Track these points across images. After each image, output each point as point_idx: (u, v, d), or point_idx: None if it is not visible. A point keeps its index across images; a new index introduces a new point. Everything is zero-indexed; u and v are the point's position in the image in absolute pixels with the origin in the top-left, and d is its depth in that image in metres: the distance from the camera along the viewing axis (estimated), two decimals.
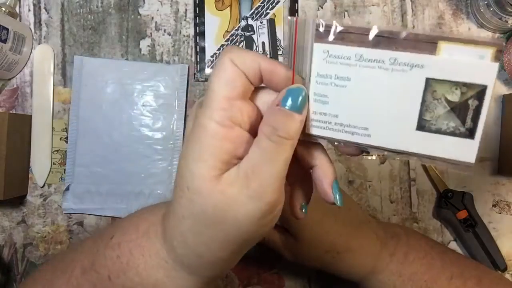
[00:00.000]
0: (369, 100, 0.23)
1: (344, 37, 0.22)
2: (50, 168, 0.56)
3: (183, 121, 0.55)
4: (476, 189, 0.54)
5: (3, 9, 0.54)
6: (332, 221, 0.42)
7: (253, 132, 0.25)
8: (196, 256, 0.26)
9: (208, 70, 0.56)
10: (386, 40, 0.22)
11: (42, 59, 0.56)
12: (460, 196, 0.53)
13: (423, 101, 0.22)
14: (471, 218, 0.52)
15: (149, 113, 0.55)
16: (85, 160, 0.55)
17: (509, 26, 0.51)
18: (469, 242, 0.52)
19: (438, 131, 0.22)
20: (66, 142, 0.56)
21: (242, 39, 0.56)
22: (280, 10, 0.56)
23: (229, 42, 0.56)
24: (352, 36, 0.22)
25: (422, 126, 0.22)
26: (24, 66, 0.57)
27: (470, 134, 0.22)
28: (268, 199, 0.24)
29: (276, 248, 0.46)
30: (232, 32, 0.56)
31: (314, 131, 0.25)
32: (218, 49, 0.56)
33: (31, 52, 0.57)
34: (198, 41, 0.56)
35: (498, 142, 0.54)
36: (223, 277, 0.55)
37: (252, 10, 0.56)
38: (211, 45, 0.56)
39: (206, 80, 0.56)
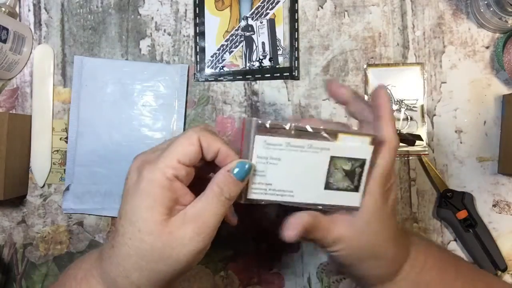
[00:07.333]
0: (293, 172, 0.33)
1: (277, 131, 0.32)
2: (50, 168, 0.56)
3: (183, 121, 0.55)
4: (476, 189, 0.54)
5: (3, 9, 0.54)
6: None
7: (189, 186, 0.33)
8: None
9: (208, 70, 0.56)
10: (304, 133, 0.32)
11: (42, 59, 0.56)
12: (460, 196, 0.53)
13: (328, 170, 0.34)
14: (471, 218, 0.52)
15: (149, 113, 0.55)
16: (85, 160, 0.55)
17: (509, 26, 0.51)
18: (469, 242, 0.52)
19: (338, 189, 0.35)
20: (66, 142, 0.56)
21: (242, 39, 0.56)
22: (280, 10, 0.56)
23: (229, 42, 0.56)
24: (282, 130, 0.32)
25: (328, 186, 0.34)
26: (24, 66, 0.57)
27: (356, 189, 0.35)
28: (206, 242, 0.31)
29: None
30: (232, 32, 0.56)
31: (254, 196, 0.33)
32: (218, 49, 0.56)
33: (31, 52, 0.57)
34: (198, 41, 0.56)
35: (498, 142, 0.54)
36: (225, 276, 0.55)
37: (252, 10, 0.56)
38: (211, 45, 0.56)
39: (206, 80, 0.56)
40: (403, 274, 0.40)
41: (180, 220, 0.31)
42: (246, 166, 0.32)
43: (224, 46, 0.56)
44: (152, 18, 0.57)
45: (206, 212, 0.31)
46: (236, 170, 0.32)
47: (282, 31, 0.56)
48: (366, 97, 0.54)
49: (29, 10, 0.57)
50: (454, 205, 0.53)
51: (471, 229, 0.52)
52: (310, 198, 0.34)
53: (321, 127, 0.33)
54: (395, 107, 0.54)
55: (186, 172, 0.32)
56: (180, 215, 0.31)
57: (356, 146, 0.34)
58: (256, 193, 0.34)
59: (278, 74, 0.55)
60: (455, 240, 0.54)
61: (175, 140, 0.32)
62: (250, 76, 0.56)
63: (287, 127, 0.32)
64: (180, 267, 0.31)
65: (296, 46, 0.55)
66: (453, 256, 0.45)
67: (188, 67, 0.56)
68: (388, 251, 0.38)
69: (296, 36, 0.55)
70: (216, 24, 0.56)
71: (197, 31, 0.56)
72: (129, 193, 0.32)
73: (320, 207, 0.35)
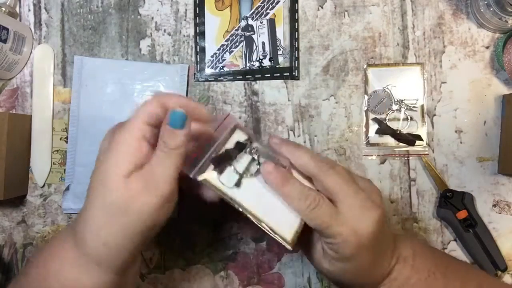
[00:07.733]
0: None
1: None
2: (50, 168, 0.56)
3: None
4: (476, 189, 0.54)
5: (3, 9, 0.54)
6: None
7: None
8: (103, 246, 0.33)
9: (208, 70, 0.56)
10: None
11: (42, 59, 0.56)
12: (460, 196, 0.53)
13: None
14: (471, 218, 0.52)
15: None
16: (85, 160, 0.55)
17: (509, 26, 0.51)
18: (469, 242, 0.52)
19: None
20: (66, 142, 0.56)
21: (242, 39, 0.56)
22: (280, 10, 0.56)
23: (229, 42, 0.56)
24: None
25: None
26: (24, 66, 0.57)
27: None
28: (160, 193, 0.33)
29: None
30: (232, 32, 0.56)
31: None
32: (218, 49, 0.56)
33: (31, 52, 0.57)
34: (198, 41, 0.56)
35: (498, 142, 0.54)
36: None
37: (252, 10, 0.56)
38: (211, 45, 0.56)
39: (206, 80, 0.56)
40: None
41: (138, 176, 0.33)
42: (177, 113, 0.33)
43: (224, 46, 0.56)
44: (152, 18, 0.57)
45: (156, 165, 0.33)
46: (171, 121, 0.33)
47: (282, 31, 0.56)
48: (366, 97, 0.55)
49: (29, 10, 0.57)
50: (454, 205, 0.53)
51: (471, 229, 0.52)
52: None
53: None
54: (395, 107, 0.54)
55: (153, 132, 0.34)
56: (139, 171, 0.33)
57: None
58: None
59: (278, 74, 0.55)
60: (455, 240, 0.54)
61: (142, 105, 0.35)
62: (250, 76, 0.56)
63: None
64: (141, 221, 0.33)
65: (296, 46, 0.55)
66: (443, 259, 0.44)
67: (188, 67, 0.56)
68: (366, 280, 0.39)
69: (296, 36, 0.55)
70: (216, 24, 0.56)
71: (197, 31, 0.56)
72: (100, 156, 0.34)
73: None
